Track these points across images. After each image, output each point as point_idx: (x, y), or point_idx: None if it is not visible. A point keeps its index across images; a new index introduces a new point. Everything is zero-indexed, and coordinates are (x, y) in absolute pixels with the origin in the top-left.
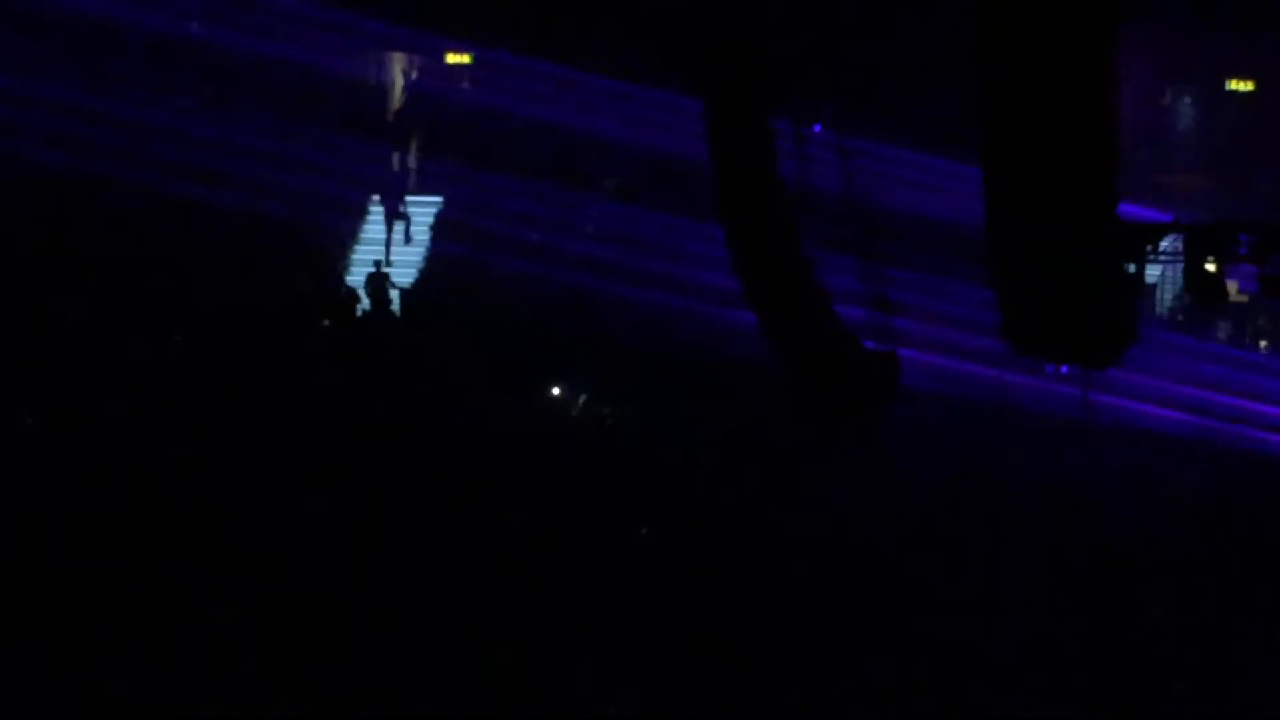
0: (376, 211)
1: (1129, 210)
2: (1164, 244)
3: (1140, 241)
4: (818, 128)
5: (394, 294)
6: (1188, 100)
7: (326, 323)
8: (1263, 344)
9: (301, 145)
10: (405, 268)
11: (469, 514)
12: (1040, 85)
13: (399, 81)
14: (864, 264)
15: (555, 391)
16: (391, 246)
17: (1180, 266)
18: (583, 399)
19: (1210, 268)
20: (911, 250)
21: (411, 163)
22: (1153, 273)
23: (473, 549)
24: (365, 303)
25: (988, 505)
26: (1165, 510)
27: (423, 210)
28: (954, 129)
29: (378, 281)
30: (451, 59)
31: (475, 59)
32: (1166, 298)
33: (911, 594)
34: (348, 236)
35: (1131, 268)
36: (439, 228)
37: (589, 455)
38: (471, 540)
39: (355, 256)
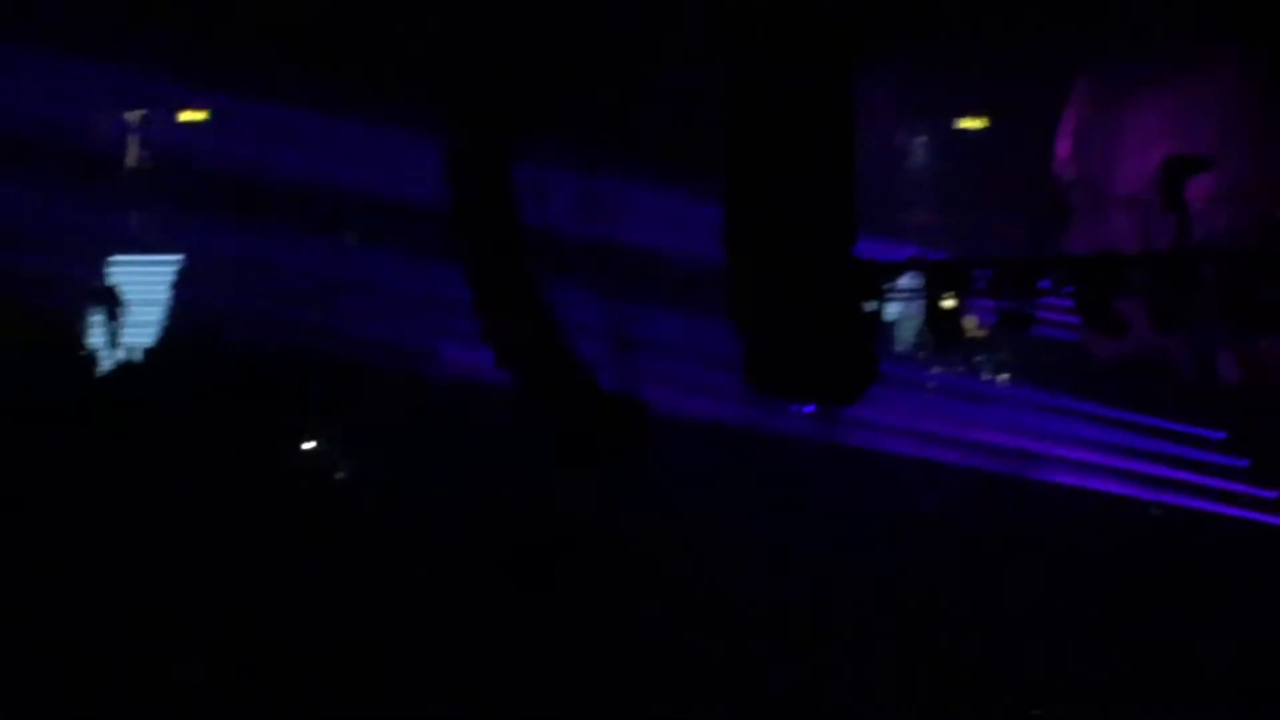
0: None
1: (867, 248)
2: (902, 281)
3: (879, 279)
4: (556, 160)
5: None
6: (922, 139)
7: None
8: (1003, 377)
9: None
10: (143, 327)
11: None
12: (779, 126)
13: (133, 137)
14: (606, 301)
15: (309, 445)
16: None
17: (919, 303)
18: (337, 455)
19: (949, 304)
20: (655, 288)
21: (150, 220)
22: (892, 311)
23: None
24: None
25: (740, 540)
26: (916, 542)
27: (161, 268)
28: (697, 167)
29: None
30: (186, 115)
31: (212, 112)
32: (906, 335)
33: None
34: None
35: (871, 306)
36: (180, 285)
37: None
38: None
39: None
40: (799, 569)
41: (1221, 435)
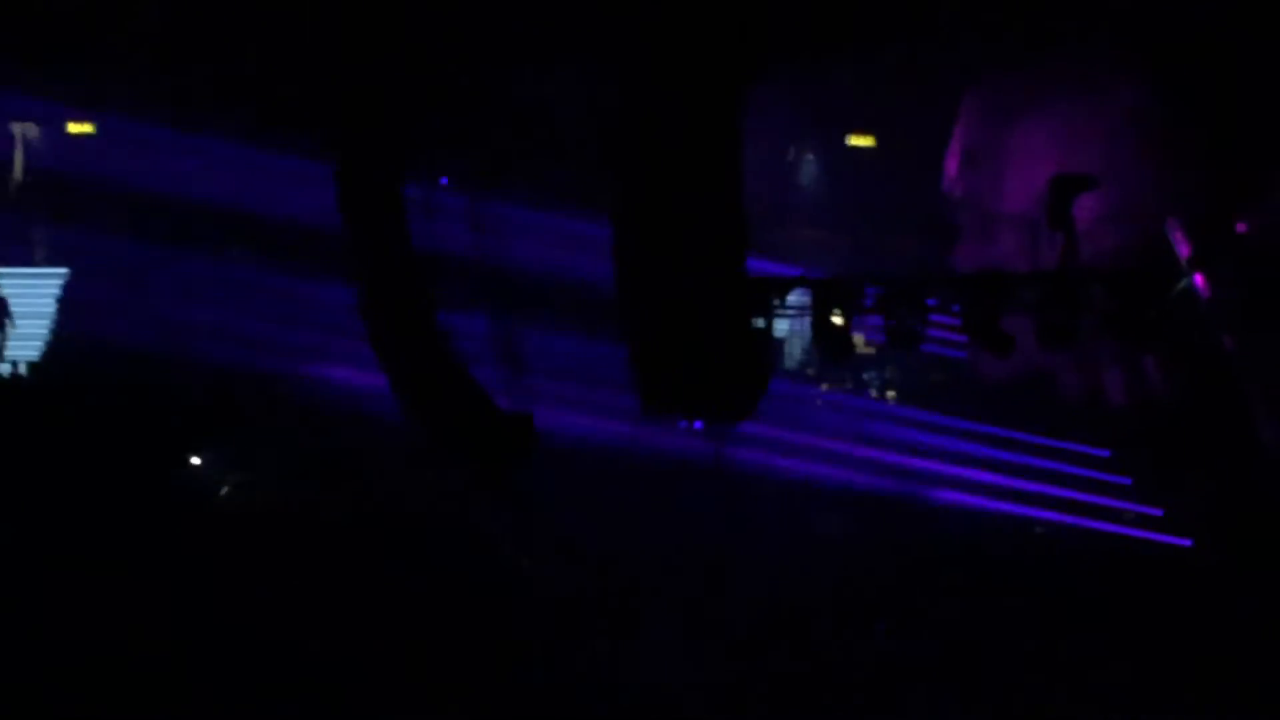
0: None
1: (756, 265)
2: (791, 298)
3: (768, 296)
4: (445, 181)
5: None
6: (810, 156)
7: None
8: (890, 394)
9: None
10: (28, 340)
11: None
12: (667, 146)
13: (19, 151)
14: (496, 321)
15: (196, 462)
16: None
17: (808, 320)
18: (223, 469)
19: (837, 320)
20: (545, 308)
21: (34, 235)
22: (781, 327)
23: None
24: None
25: (631, 565)
26: (809, 560)
27: (47, 283)
28: (587, 187)
29: None
30: (74, 128)
31: (99, 128)
32: (795, 351)
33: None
34: None
35: (760, 322)
36: (64, 301)
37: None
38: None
39: None
40: (682, 585)
41: (1106, 453)
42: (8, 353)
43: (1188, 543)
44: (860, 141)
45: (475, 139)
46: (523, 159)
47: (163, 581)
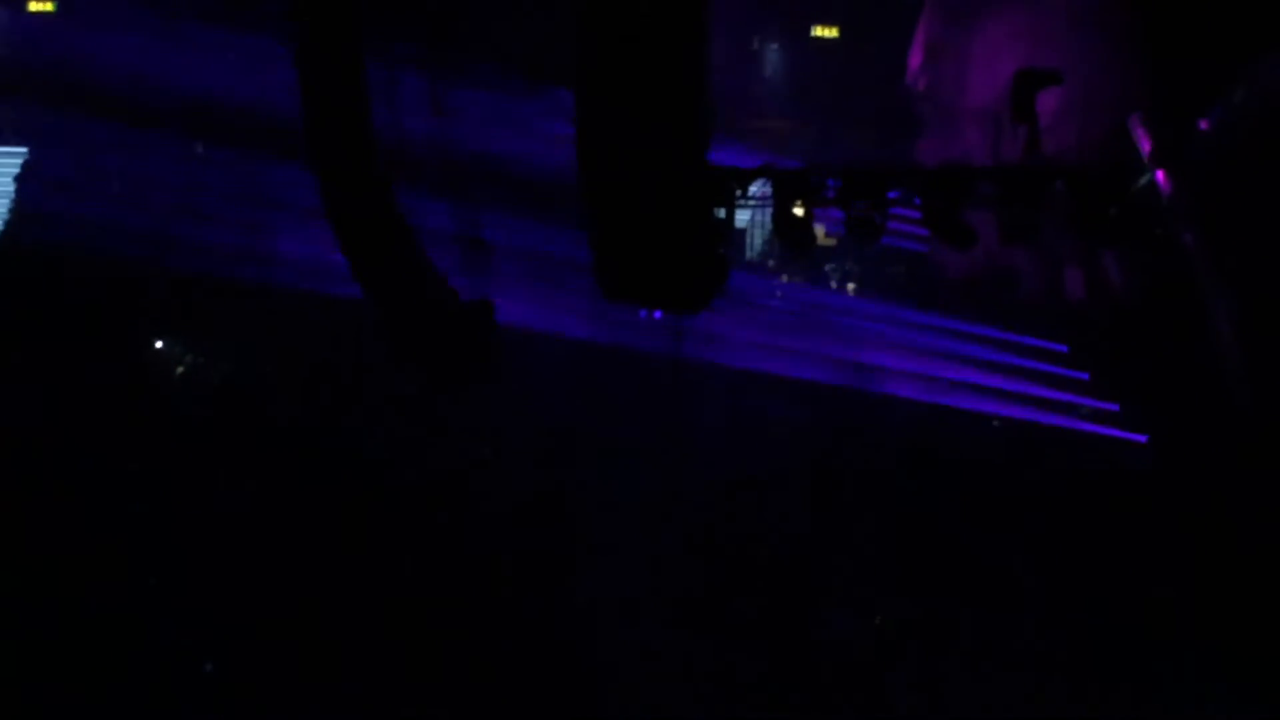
0: None
1: (718, 155)
2: (753, 189)
3: (729, 186)
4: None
5: None
6: (775, 46)
7: None
8: (850, 287)
9: None
10: None
11: None
12: (631, 33)
13: None
14: (457, 207)
15: (159, 345)
16: None
17: (769, 211)
18: (187, 356)
19: (798, 212)
20: (508, 194)
21: None
22: (742, 217)
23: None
24: None
25: (595, 451)
26: (768, 450)
27: (6, 161)
28: (551, 71)
29: None
30: (34, 6)
31: (58, 6)
32: (756, 242)
33: (531, 547)
34: None
35: (721, 212)
36: (24, 178)
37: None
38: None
39: None
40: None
41: (1064, 348)
42: None
43: (1143, 438)
44: (825, 33)
45: (436, 15)
46: (484, 40)
47: (121, 461)
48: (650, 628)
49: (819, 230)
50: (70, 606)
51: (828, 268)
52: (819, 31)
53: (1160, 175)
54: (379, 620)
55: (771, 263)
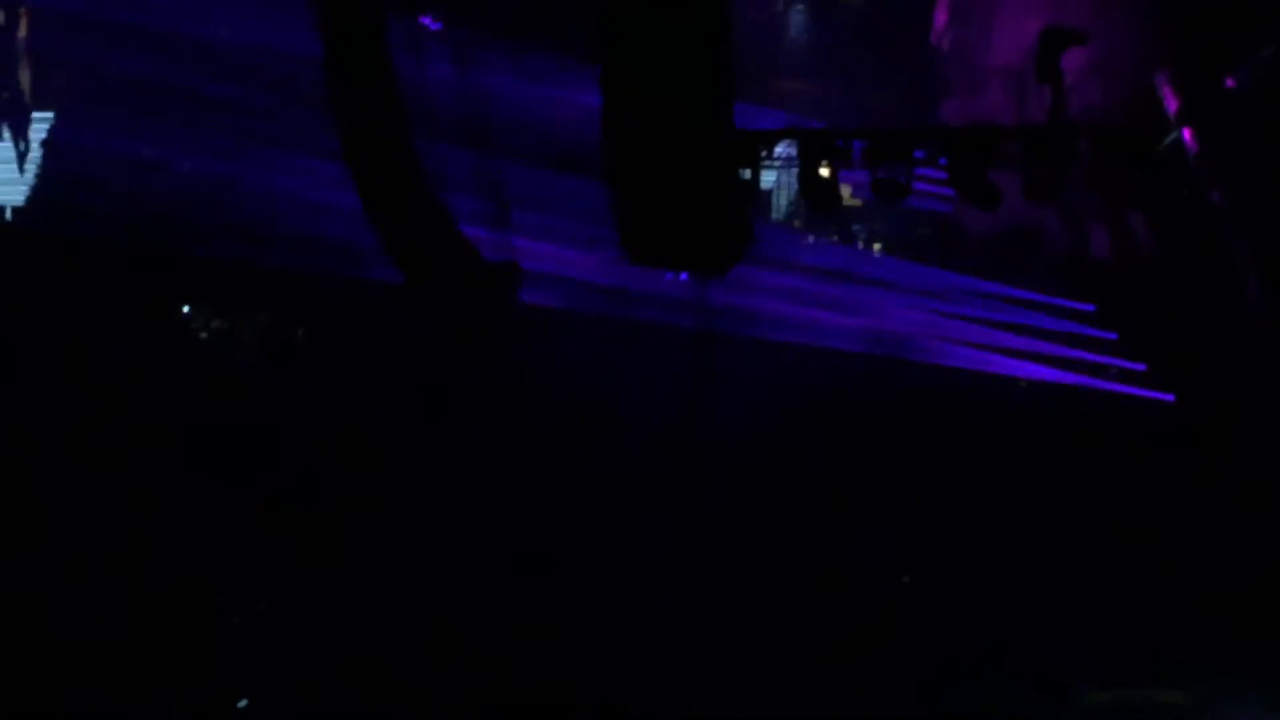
0: None
1: (743, 115)
2: (778, 150)
3: (755, 147)
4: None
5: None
6: (800, 6)
7: None
8: (877, 247)
9: None
10: (13, 185)
11: None
12: None
13: None
14: (481, 166)
15: (185, 310)
16: None
17: (795, 172)
18: (211, 322)
19: (824, 173)
20: (532, 151)
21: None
22: (768, 178)
23: None
24: None
25: (617, 417)
26: (794, 415)
27: (34, 127)
28: (575, 28)
29: None
30: None
31: None
32: (782, 203)
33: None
34: None
35: (746, 173)
36: (50, 145)
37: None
38: None
39: None
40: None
41: (1091, 308)
42: None
43: (1170, 398)
44: None
45: None
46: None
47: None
48: (668, 606)
49: (845, 191)
50: (91, 585)
51: (854, 229)
52: None
53: (1187, 134)
54: (396, 604)
55: (797, 223)
